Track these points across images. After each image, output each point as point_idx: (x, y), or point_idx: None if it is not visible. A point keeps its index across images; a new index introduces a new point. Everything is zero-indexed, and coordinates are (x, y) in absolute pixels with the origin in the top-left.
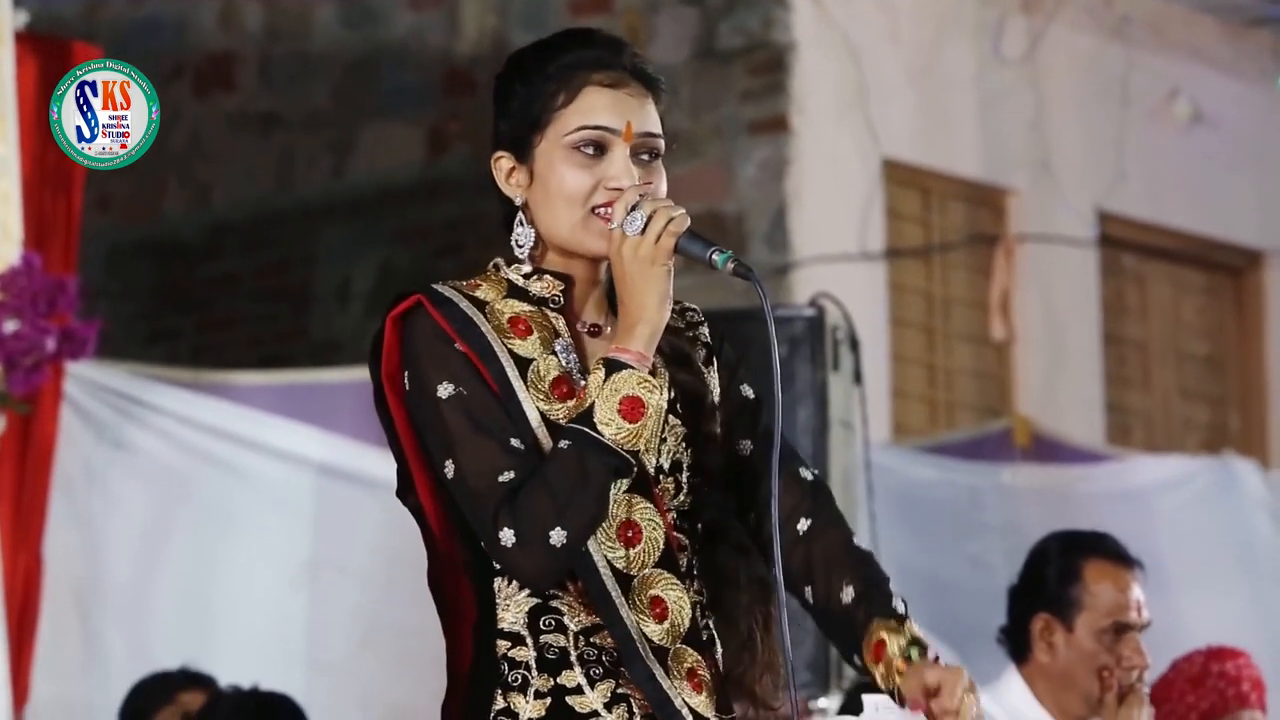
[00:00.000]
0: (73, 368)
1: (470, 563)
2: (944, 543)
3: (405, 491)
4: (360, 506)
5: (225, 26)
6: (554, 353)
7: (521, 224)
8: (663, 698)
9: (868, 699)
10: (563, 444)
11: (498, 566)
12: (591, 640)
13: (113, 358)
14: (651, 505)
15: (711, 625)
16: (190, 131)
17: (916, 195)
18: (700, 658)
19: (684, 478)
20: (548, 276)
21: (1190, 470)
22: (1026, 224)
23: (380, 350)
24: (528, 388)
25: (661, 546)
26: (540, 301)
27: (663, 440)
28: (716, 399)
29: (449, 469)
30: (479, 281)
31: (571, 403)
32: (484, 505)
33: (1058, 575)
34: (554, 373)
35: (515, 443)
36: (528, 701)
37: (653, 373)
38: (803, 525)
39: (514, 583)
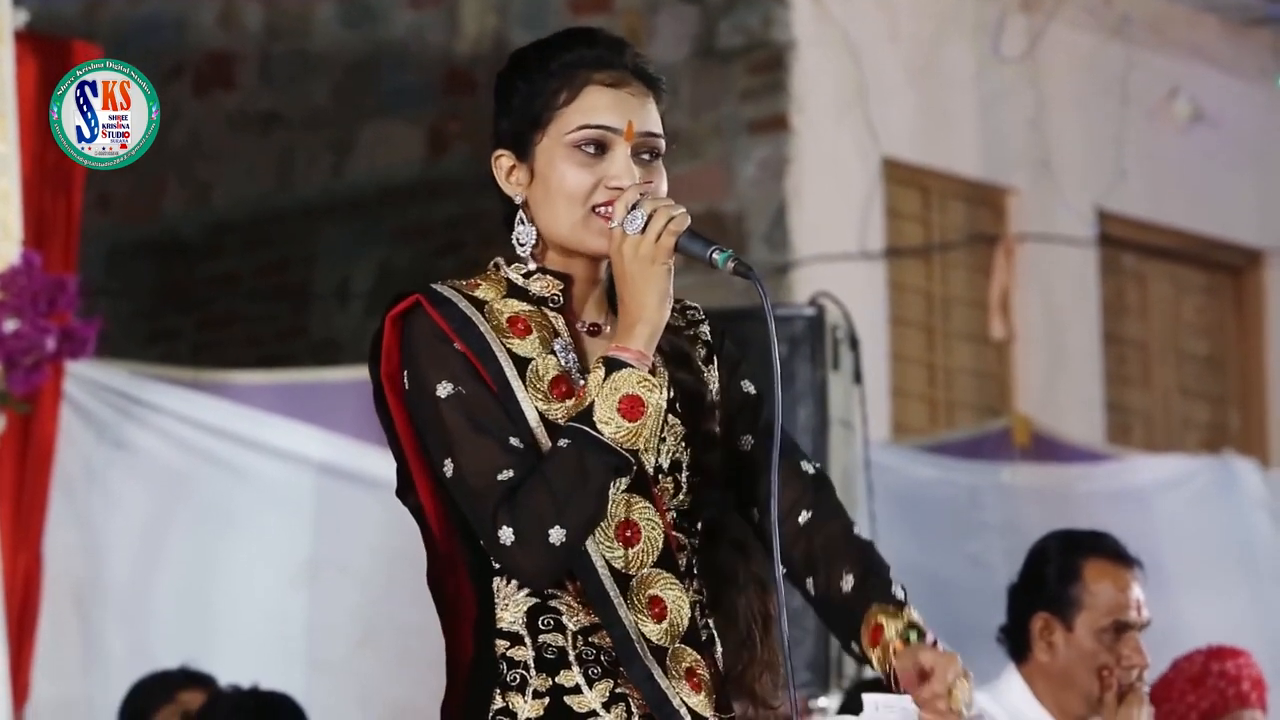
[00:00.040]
0: (73, 367)
1: (470, 562)
2: (944, 542)
3: (405, 491)
4: (360, 506)
5: (225, 25)
6: (553, 352)
7: (522, 222)
8: (661, 697)
9: (868, 698)
10: (562, 442)
11: (497, 566)
12: (590, 640)
13: (113, 357)
14: (650, 505)
15: (711, 625)
16: (190, 130)
17: (916, 194)
18: (699, 657)
19: (683, 477)
20: (547, 276)
21: (1190, 469)
22: (1026, 223)
23: (380, 350)
24: (526, 387)
25: (660, 546)
26: (540, 301)
27: (662, 440)
28: (716, 398)
29: (448, 468)
30: (479, 281)
31: (570, 402)
32: (483, 504)
33: (1057, 574)
34: (553, 372)
35: (514, 441)
36: (526, 701)
37: (652, 372)
38: (804, 517)
39: (513, 582)
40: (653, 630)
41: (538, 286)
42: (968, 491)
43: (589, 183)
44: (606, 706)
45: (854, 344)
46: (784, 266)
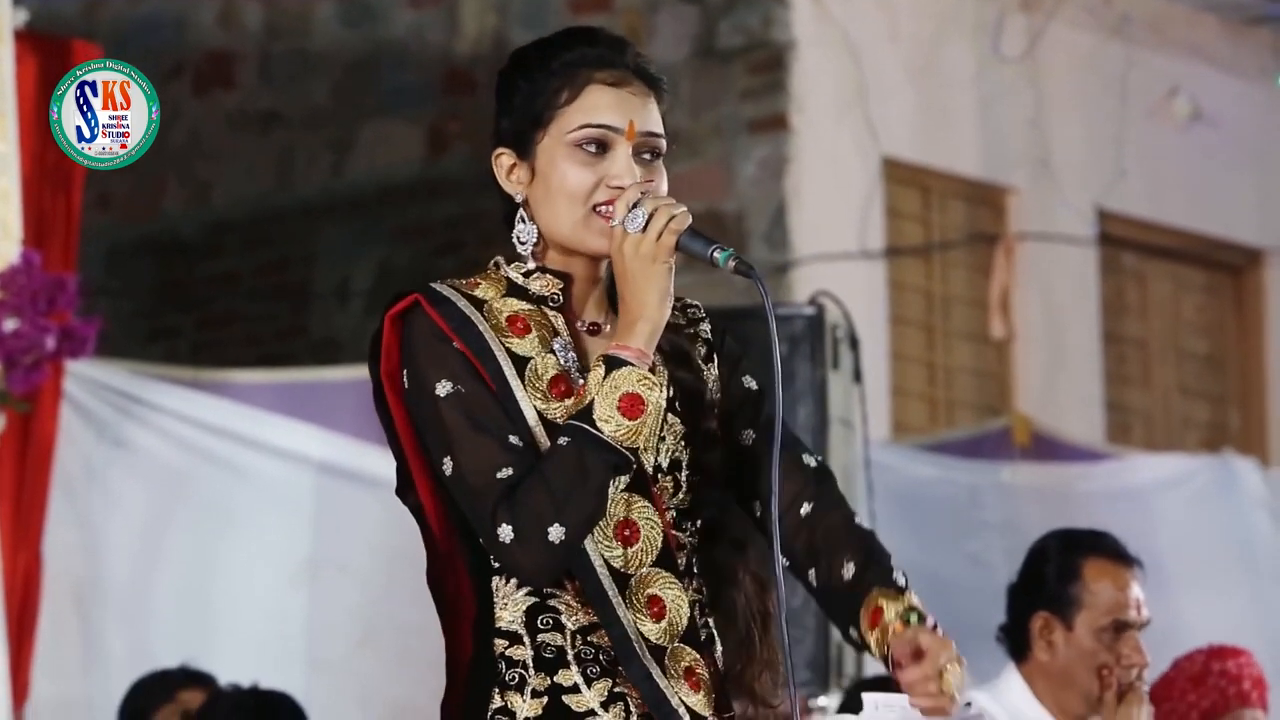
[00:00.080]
0: (72, 366)
1: (469, 561)
2: (944, 541)
3: (405, 490)
4: (360, 505)
5: (225, 25)
6: (552, 351)
7: (523, 220)
8: (659, 697)
9: (867, 698)
10: (562, 440)
11: (496, 565)
12: (589, 639)
13: (112, 356)
14: (649, 504)
15: (711, 624)
16: (190, 130)
17: (916, 194)
18: (699, 656)
19: (683, 476)
20: (547, 275)
21: (1190, 469)
22: (1026, 222)
23: (379, 349)
24: (525, 386)
25: (659, 545)
26: (539, 300)
27: (661, 439)
28: (715, 396)
29: (447, 466)
30: (478, 280)
31: (569, 401)
32: (482, 502)
33: (1057, 574)
34: (552, 371)
35: (514, 440)
36: (525, 700)
37: (652, 370)
38: (805, 509)
39: (512, 581)
40: (651, 629)
41: (537, 285)
42: (968, 491)
43: (590, 182)
44: (605, 706)
45: (854, 343)
46: (784, 266)
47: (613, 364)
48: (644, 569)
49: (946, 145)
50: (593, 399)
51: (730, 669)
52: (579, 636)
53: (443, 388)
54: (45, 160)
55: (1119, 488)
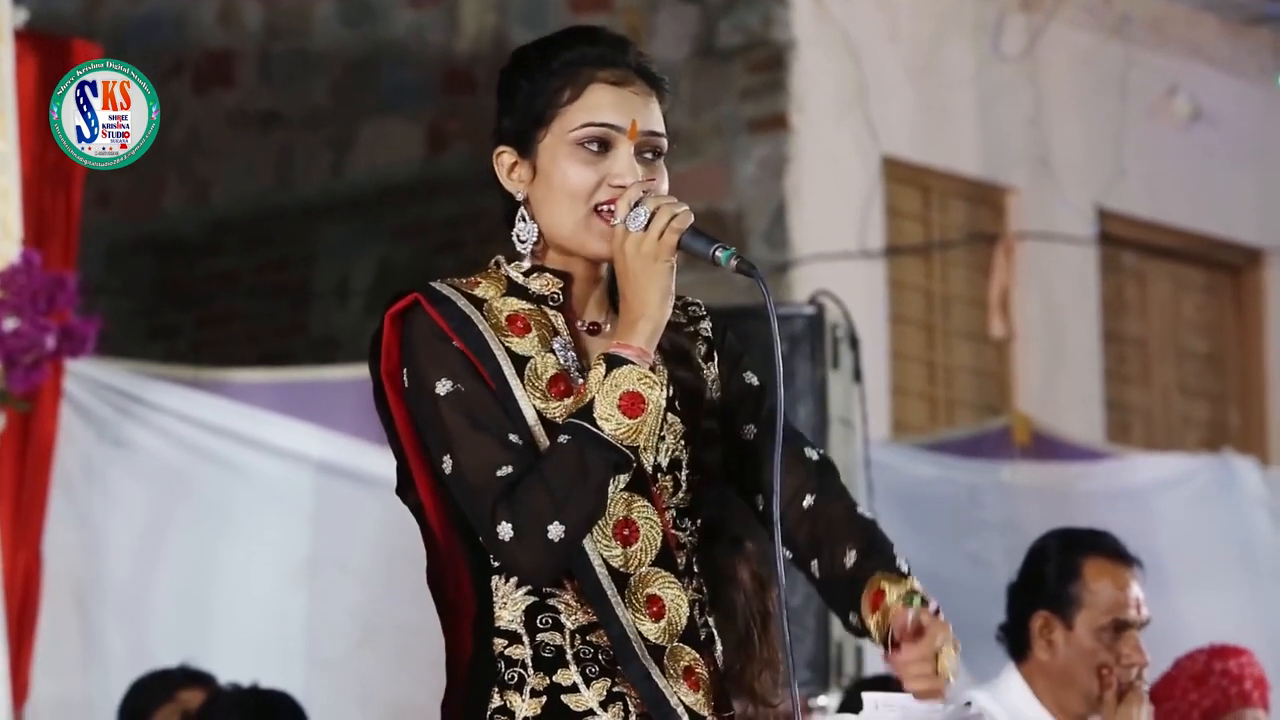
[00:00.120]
0: (72, 365)
1: (469, 560)
2: (943, 540)
3: (405, 489)
4: (359, 504)
5: (225, 23)
6: (552, 351)
7: (523, 219)
8: (658, 696)
9: (867, 697)
10: (562, 438)
11: (496, 564)
12: (588, 639)
13: (112, 355)
14: (649, 503)
15: (710, 623)
16: (190, 128)
17: (916, 193)
18: (698, 656)
19: (682, 475)
20: (547, 274)
21: (1190, 468)
22: (1026, 222)
23: (379, 347)
24: (524, 386)
25: (659, 545)
26: (539, 299)
27: (661, 438)
28: (715, 395)
29: (447, 465)
30: (479, 279)
31: (569, 401)
32: (482, 500)
33: (1057, 573)
34: (551, 371)
35: (513, 438)
36: (524, 700)
37: (652, 369)
38: (808, 501)
39: (511, 581)
40: (650, 629)
41: (537, 285)
42: (967, 490)
43: (592, 180)
44: (604, 705)
45: (854, 342)
46: (784, 265)
47: (613, 362)
48: (643, 568)
49: (946, 145)
50: (593, 397)
51: (730, 668)
52: (578, 636)
53: (442, 386)
54: (45, 159)
55: (1119, 487)
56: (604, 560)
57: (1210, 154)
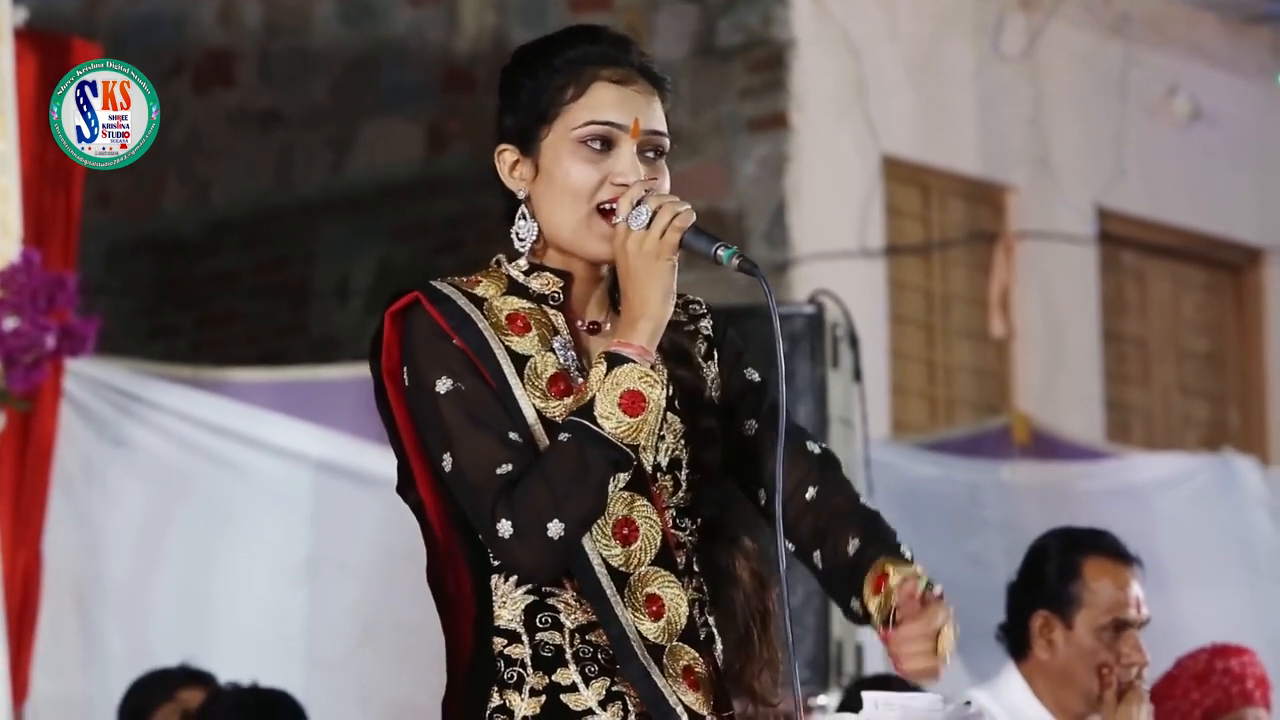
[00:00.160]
0: (72, 365)
1: (469, 559)
2: (943, 540)
3: (405, 487)
4: (359, 503)
5: (225, 23)
6: (552, 350)
7: (524, 217)
8: (657, 696)
9: (867, 696)
10: (562, 436)
11: (495, 563)
12: (587, 638)
13: (112, 354)
14: (649, 503)
15: (711, 623)
16: (190, 128)
17: (916, 192)
18: (697, 655)
19: (682, 475)
20: (547, 273)
21: (1190, 467)
22: (1026, 221)
23: (380, 346)
24: (524, 385)
25: (658, 544)
26: (540, 298)
27: (661, 437)
28: (715, 394)
29: (447, 463)
30: (479, 278)
31: (568, 400)
32: (481, 497)
33: (1057, 572)
34: (551, 370)
35: (513, 436)
36: (523, 699)
37: (652, 368)
38: (810, 493)
39: (511, 580)
40: (650, 628)
41: (538, 284)
42: (967, 489)
43: (594, 179)
44: (603, 705)
45: (854, 342)
46: (784, 264)
47: (614, 361)
48: (643, 568)
49: (946, 144)
50: (594, 395)
51: (730, 667)
52: (577, 635)
53: (443, 384)
54: (45, 158)
55: (1119, 486)
56: (603, 559)
57: (1210, 153)
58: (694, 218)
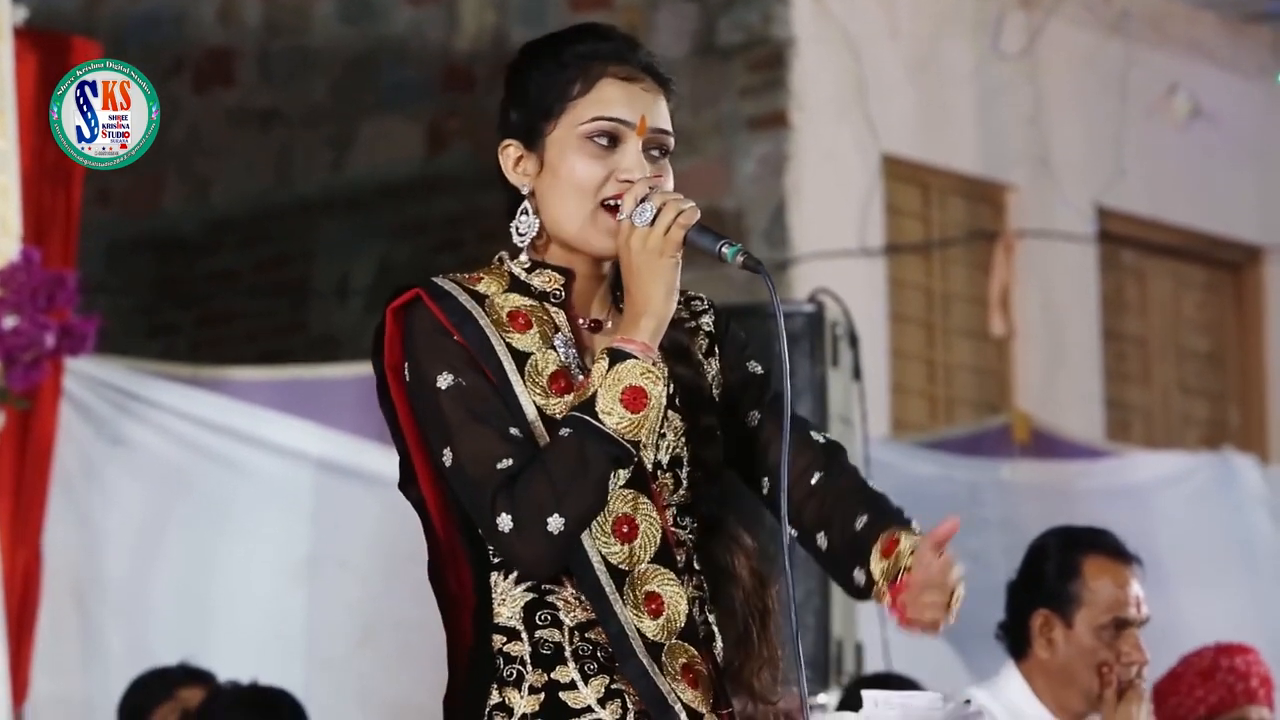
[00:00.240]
0: (72, 363)
1: (470, 555)
2: None
3: (407, 483)
4: (359, 502)
5: (225, 21)
6: (553, 347)
7: (526, 212)
8: (656, 694)
9: (867, 695)
10: (563, 431)
11: (495, 561)
12: (586, 636)
13: (112, 353)
14: (649, 500)
15: (710, 621)
16: (190, 126)
17: (916, 191)
18: (697, 653)
19: (683, 473)
20: (549, 271)
21: (1190, 466)
22: (1026, 219)
23: (382, 342)
24: (525, 382)
25: (658, 542)
26: (541, 296)
27: (661, 435)
28: (716, 392)
29: (447, 458)
30: (481, 274)
31: (569, 398)
32: (481, 492)
33: (1057, 571)
34: (552, 367)
35: (513, 431)
36: (522, 696)
37: (654, 364)
38: (815, 478)
39: (510, 577)
40: (649, 626)
41: (539, 281)
42: (967, 488)
43: (600, 175)
44: (602, 702)
45: (853, 340)
46: (784, 263)
47: (616, 357)
48: (642, 565)
49: (946, 142)
50: (595, 391)
51: (729, 665)
52: (577, 633)
53: (443, 380)
54: (45, 157)
55: (1119, 485)
56: (603, 557)
57: (1210, 152)
58: (698, 215)
